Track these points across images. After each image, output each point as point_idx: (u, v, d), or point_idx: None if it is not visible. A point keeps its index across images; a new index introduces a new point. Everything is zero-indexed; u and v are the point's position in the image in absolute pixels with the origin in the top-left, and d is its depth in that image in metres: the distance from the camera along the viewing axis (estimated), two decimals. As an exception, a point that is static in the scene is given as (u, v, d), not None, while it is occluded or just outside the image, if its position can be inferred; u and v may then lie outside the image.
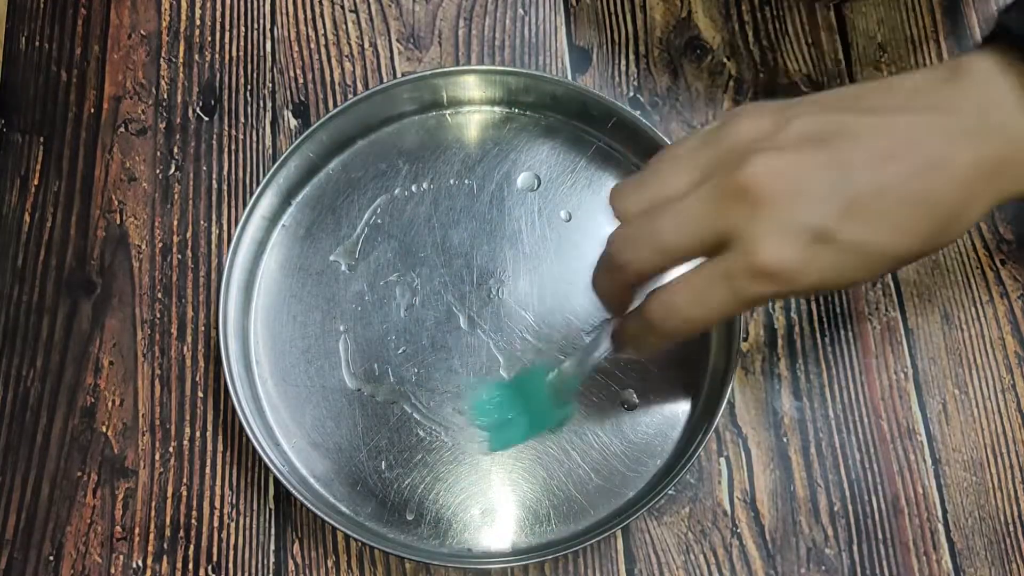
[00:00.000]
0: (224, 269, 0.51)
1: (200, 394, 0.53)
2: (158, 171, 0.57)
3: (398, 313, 0.53)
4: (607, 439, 0.51)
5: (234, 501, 0.51)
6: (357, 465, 0.50)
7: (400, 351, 0.52)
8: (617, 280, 0.41)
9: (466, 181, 0.55)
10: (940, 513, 0.51)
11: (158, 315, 0.54)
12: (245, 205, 0.54)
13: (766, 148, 0.37)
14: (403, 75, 0.58)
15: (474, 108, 0.56)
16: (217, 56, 0.59)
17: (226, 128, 0.58)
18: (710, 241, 0.37)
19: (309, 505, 0.47)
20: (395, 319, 0.53)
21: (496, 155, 0.56)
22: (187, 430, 0.52)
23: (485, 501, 0.50)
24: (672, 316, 0.39)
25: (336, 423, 0.51)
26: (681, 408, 0.51)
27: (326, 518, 0.46)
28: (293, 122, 0.58)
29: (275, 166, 0.53)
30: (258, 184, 0.53)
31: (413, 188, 0.55)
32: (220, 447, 0.52)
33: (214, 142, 0.58)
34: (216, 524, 0.50)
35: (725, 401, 0.48)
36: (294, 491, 0.47)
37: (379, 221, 0.54)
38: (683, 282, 0.38)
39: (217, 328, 0.50)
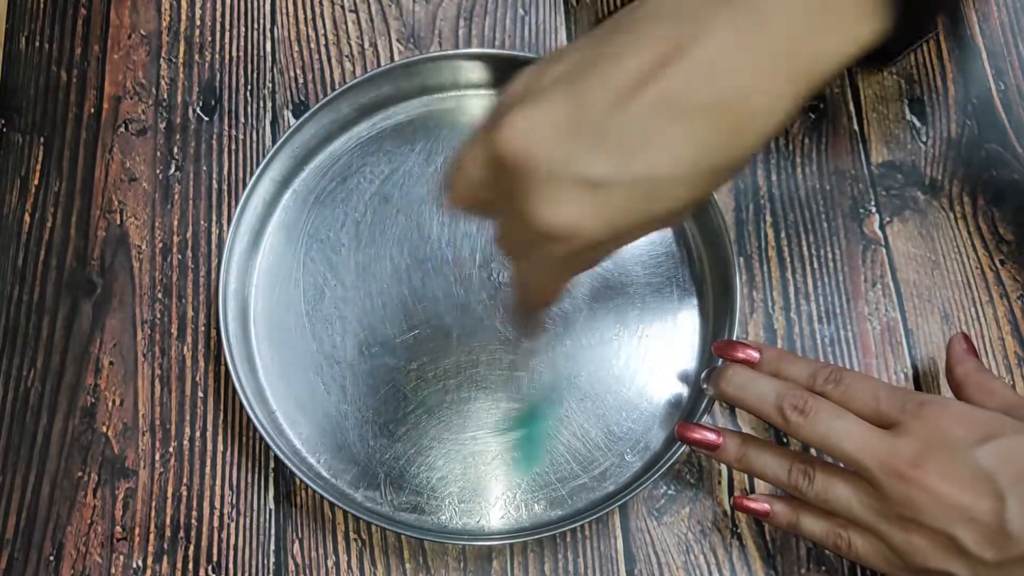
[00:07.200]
0: (231, 226, 0.51)
1: (200, 394, 0.53)
2: (158, 171, 0.57)
3: (398, 288, 0.53)
4: (593, 432, 0.51)
5: (234, 501, 0.51)
6: (342, 432, 0.51)
7: (397, 326, 0.52)
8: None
9: None
10: (940, 513, 0.51)
11: (158, 315, 0.54)
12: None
13: (517, 103, 0.33)
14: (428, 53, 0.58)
15: (494, 91, 0.57)
16: (217, 56, 0.59)
17: (226, 128, 0.58)
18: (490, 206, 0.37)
19: (287, 462, 0.47)
20: (394, 294, 0.53)
21: None
22: (187, 430, 0.52)
23: (464, 481, 0.50)
24: (522, 294, 0.43)
25: (327, 388, 0.51)
26: (670, 406, 0.51)
27: (301, 475, 0.47)
28: (293, 122, 0.58)
29: (290, 130, 0.53)
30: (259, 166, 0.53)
31: (426, 165, 0.56)
32: (220, 447, 0.52)
33: (214, 142, 0.58)
34: (216, 524, 0.50)
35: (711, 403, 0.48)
36: (274, 447, 0.47)
37: (389, 195, 0.55)
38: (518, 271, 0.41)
39: (217, 287, 0.50)
